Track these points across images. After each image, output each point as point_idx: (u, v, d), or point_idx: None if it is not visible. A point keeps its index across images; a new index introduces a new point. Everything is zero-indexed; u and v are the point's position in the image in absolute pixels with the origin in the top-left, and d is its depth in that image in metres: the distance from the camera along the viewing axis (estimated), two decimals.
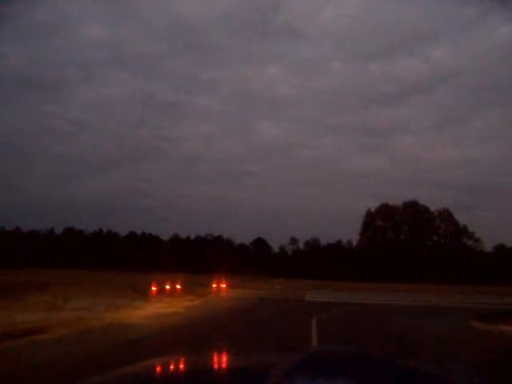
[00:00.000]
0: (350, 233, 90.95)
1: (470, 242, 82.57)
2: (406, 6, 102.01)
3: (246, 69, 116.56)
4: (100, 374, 1.70)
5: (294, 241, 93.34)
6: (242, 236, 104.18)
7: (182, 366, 2.07)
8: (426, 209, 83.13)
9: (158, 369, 1.97)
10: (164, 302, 15.90)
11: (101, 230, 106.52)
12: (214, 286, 32.18)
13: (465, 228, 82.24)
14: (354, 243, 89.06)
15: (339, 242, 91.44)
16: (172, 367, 2.04)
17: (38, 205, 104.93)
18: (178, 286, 23.41)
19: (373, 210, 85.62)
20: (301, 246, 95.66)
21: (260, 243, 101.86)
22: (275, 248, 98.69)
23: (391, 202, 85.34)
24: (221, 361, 2.18)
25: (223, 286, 34.12)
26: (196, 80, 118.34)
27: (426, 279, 66.31)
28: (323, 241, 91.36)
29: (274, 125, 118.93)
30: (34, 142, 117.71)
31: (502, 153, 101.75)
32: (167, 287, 21.60)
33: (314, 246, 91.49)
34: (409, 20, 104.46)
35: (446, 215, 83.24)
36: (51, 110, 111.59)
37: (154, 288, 19.68)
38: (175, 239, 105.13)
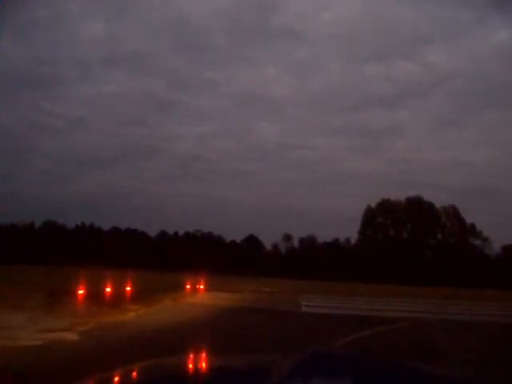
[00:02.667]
0: (347, 233, 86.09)
1: (477, 242, 76.83)
2: (403, 9, 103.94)
3: (244, 69, 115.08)
4: (97, 374, 1.70)
5: (287, 238, 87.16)
6: (234, 233, 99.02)
7: (181, 367, 2.03)
8: (430, 205, 77.28)
9: (157, 369, 1.96)
10: (74, 315, 9.89)
11: (83, 225, 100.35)
12: (188, 287, 26.44)
13: (472, 226, 76.55)
14: (353, 242, 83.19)
15: (337, 240, 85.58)
16: (172, 367, 2.01)
17: (32, 201, 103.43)
18: (128, 289, 17.26)
19: (373, 205, 79.73)
20: (295, 244, 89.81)
21: (252, 241, 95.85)
22: (268, 246, 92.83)
23: (393, 198, 79.52)
24: (221, 361, 2.17)
25: (201, 287, 28.46)
26: (194, 79, 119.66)
27: (430, 281, 60.77)
28: (319, 239, 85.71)
29: (271, 125, 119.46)
30: (29, 139, 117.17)
31: (498, 155, 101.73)
32: (108, 290, 15.43)
33: (309, 244, 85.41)
34: (406, 23, 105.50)
35: (452, 212, 77.49)
36: (48, 107, 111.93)
37: (80, 291, 13.52)
38: (162, 235, 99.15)
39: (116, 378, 1.74)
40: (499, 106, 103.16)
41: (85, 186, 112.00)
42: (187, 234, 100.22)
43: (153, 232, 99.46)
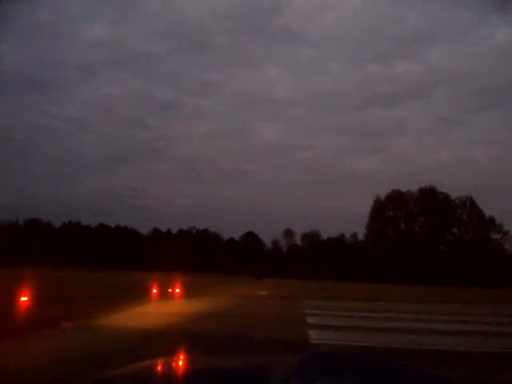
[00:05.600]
0: (352, 230, 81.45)
1: (497, 236, 70.03)
2: (404, 8, 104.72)
3: (246, 70, 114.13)
4: (98, 373, 1.67)
5: (289, 234, 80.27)
6: (233, 231, 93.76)
7: (182, 366, 2.04)
8: (445, 196, 70.38)
9: (158, 368, 1.97)
10: None
11: (70, 222, 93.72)
12: (155, 292, 19.97)
13: (491, 219, 69.69)
14: (360, 237, 76.44)
15: (342, 235, 78.81)
16: (172, 367, 2.02)
17: (30, 202, 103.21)
18: (24, 299, 10.60)
19: (382, 197, 72.84)
20: (298, 240, 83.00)
21: (251, 238, 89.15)
22: (268, 243, 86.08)
23: (404, 189, 72.69)
24: (221, 361, 2.15)
25: (176, 291, 22.08)
26: (195, 80, 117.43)
27: (445, 279, 54.27)
28: (323, 235, 79.11)
29: (272, 125, 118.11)
30: (31, 141, 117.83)
31: (499, 154, 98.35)
32: None
33: (312, 240, 78.59)
34: (407, 23, 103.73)
35: (469, 204, 70.66)
36: (50, 110, 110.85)
37: None
38: (155, 233, 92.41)
39: (116, 378, 1.71)
40: (500, 105, 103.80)
41: (86, 187, 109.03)
42: (181, 231, 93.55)
43: (145, 229, 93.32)
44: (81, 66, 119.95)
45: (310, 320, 11.10)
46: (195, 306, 15.68)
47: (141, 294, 17.86)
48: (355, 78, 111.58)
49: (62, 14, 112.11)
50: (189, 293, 21.75)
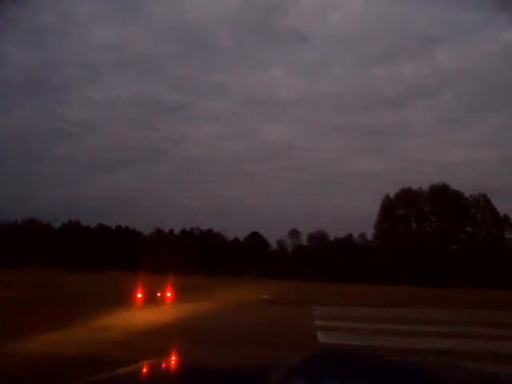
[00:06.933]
0: (359, 231, 79.35)
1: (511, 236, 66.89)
2: (410, 9, 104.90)
3: (251, 71, 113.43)
4: (98, 373, 1.69)
5: (294, 234, 77.34)
6: (237, 231, 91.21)
7: (182, 366, 2.04)
8: (458, 194, 67.26)
9: (158, 368, 1.96)
10: None
11: (70, 222, 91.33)
12: (139, 296, 17.49)
13: (506, 218, 66.58)
14: (369, 238, 73.45)
15: (350, 235, 75.82)
16: (172, 367, 2.02)
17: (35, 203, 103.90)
18: None
19: (392, 196, 69.82)
20: (304, 241, 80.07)
21: (256, 238, 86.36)
22: (273, 244, 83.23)
23: (414, 187, 69.64)
24: (221, 361, 2.13)
25: (168, 295, 19.67)
26: (201, 82, 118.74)
27: (460, 281, 51.18)
28: (330, 235, 76.22)
29: (278, 126, 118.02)
30: (38, 143, 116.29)
31: (505, 155, 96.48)
32: None
33: (319, 240, 75.66)
34: (413, 23, 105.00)
35: (483, 202, 67.54)
36: (55, 111, 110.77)
37: None
38: (157, 233, 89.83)
39: (114, 379, 1.71)
40: (506, 106, 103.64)
41: (89, 188, 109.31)
42: (184, 231, 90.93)
43: (147, 230, 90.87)
44: (87, 67, 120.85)
45: (322, 337, 8.25)
46: (180, 314, 13.00)
47: (122, 299, 15.29)
48: (361, 78, 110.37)
49: (68, 17, 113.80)
50: (182, 297, 19.25)
